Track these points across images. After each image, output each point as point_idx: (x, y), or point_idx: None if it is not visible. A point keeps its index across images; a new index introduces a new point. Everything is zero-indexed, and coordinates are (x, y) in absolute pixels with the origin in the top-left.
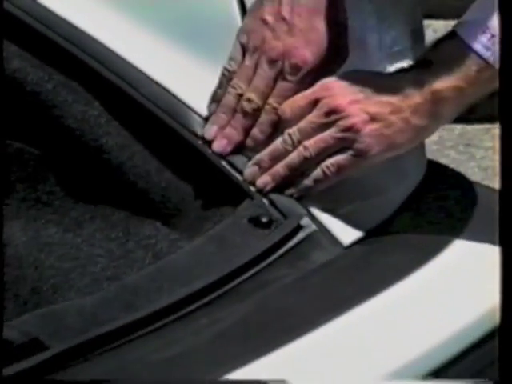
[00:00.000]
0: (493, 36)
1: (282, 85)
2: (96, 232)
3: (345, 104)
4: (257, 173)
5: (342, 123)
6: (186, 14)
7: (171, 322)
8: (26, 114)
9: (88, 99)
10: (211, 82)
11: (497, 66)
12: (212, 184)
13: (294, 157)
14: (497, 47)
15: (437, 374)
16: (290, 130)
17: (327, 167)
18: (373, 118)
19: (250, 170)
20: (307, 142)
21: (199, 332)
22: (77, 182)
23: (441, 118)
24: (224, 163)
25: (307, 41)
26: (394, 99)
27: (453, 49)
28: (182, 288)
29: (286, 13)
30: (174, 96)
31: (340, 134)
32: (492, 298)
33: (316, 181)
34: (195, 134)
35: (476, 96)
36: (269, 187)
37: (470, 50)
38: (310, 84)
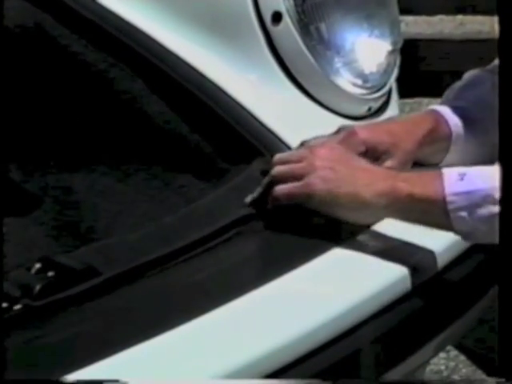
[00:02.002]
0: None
1: None
2: (140, 182)
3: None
4: None
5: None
6: (207, 6)
7: (199, 254)
8: (83, 88)
9: (133, 77)
10: (232, 62)
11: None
12: (232, 145)
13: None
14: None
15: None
16: None
17: (277, 190)
18: (331, 168)
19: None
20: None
21: (220, 262)
22: (124, 142)
23: (379, 210)
24: (241, 129)
25: None
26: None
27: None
28: (208, 226)
29: None
30: (200, 74)
31: (300, 166)
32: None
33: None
34: (218, 104)
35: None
36: None
37: (448, 217)
38: None
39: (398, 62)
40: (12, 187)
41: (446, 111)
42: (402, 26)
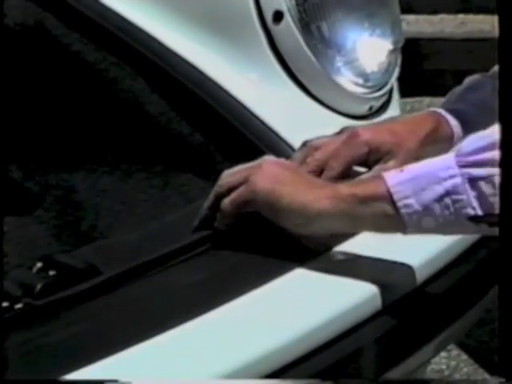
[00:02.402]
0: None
1: None
2: (141, 181)
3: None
4: None
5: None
6: (208, 5)
7: (200, 253)
8: (84, 88)
9: (134, 75)
10: (233, 61)
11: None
12: (233, 144)
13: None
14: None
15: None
16: None
17: (222, 204)
18: (276, 171)
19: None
20: None
21: (220, 261)
22: (125, 141)
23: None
24: (243, 128)
25: None
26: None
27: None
28: None
29: None
30: (201, 72)
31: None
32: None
33: (218, 221)
34: (220, 103)
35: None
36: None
37: (395, 209)
38: None
39: (399, 61)
40: (13, 186)
41: (446, 113)
42: (404, 24)
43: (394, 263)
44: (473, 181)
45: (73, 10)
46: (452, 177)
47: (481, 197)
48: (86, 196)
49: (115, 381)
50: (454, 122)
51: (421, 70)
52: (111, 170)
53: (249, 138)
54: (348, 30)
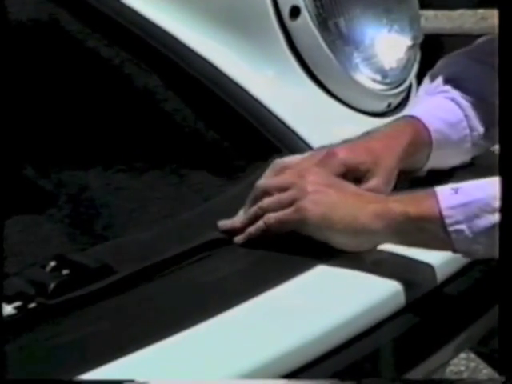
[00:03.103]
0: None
1: None
2: (156, 179)
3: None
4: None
5: (297, 187)
6: (224, 0)
7: (216, 252)
8: (99, 84)
9: (149, 72)
10: (250, 58)
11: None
12: (249, 141)
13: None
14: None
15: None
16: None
17: (268, 218)
18: (323, 192)
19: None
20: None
21: (239, 259)
22: (139, 138)
23: (374, 234)
24: (259, 125)
25: None
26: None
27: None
28: None
29: None
30: (217, 69)
31: (291, 193)
32: None
33: (257, 229)
34: (235, 100)
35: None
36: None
37: (446, 233)
38: None
39: (418, 58)
40: (27, 184)
41: (424, 115)
42: (422, 20)
43: (415, 262)
44: None
45: (87, 6)
46: None
47: None
48: (100, 194)
49: (132, 381)
50: (432, 126)
51: None
52: (125, 167)
53: (265, 135)
54: (366, 25)
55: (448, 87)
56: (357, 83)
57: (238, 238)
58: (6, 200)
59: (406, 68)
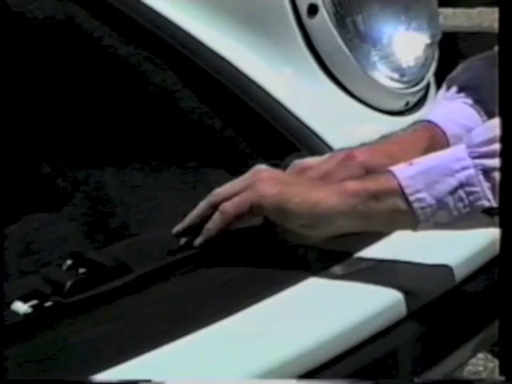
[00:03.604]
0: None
1: None
2: (172, 177)
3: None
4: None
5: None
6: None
7: (232, 251)
8: (115, 82)
9: (165, 70)
10: (267, 56)
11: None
12: (266, 140)
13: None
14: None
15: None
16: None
17: (223, 206)
18: (279, 176)
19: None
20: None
21: (251, 260)
22: (156, 136)
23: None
24: (276, 124)
25: None
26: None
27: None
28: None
29: None
30: (234, 67)
31: (244, 180)
32: None
33: (215, 222)
34: (252, 98)
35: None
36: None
37: (408, 203)
38: None
39: (436, 56)
40: (43, 183)
41: (443, 120)
42: (441, 18)
43: (434, 261)
44: (486, 172)
45: (104, 4)
46: (465, 168)
47: (495, 188)
48: (117, 192)
49: (148, 381)
50: (450, 131)
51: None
52: (142, 165)
53: (282, 133)
54: (384, 23)
55: (467, 93)
56: (374, 81)
57: (198, 240)
58: (22, 198)
59: (423, 66)
